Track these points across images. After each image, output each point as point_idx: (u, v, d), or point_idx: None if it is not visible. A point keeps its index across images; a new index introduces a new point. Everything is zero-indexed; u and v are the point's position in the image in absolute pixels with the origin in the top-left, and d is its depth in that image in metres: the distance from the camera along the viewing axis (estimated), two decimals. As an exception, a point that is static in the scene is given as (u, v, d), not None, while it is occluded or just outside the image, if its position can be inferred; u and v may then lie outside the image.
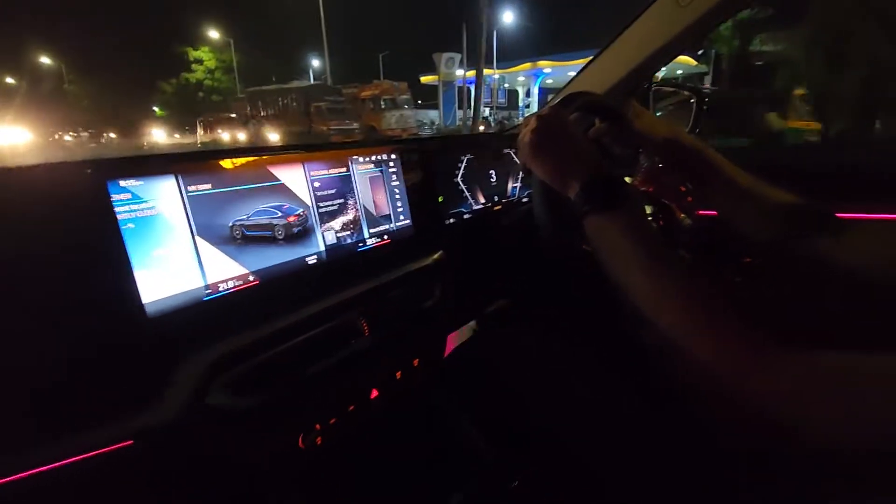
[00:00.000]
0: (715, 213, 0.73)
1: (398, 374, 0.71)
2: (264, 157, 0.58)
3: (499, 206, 0.87)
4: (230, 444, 0.51)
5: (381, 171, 0.73)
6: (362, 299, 0.66)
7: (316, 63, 28.59)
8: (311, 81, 22.60)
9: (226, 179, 0.54)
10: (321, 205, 0.65)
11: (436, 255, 0.75)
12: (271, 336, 0.55)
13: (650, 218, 0.83)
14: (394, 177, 0.74)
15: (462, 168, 0.81)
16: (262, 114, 16.82)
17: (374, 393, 0.68)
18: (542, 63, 20.83)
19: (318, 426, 0.62)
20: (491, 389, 0.76)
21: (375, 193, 0.72)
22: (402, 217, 0.75)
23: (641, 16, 0.80)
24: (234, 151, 0.56)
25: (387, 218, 0.73)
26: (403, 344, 0.71)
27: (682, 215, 0.81)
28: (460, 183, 0.81)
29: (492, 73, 17.85)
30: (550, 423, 0.68)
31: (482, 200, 0.84)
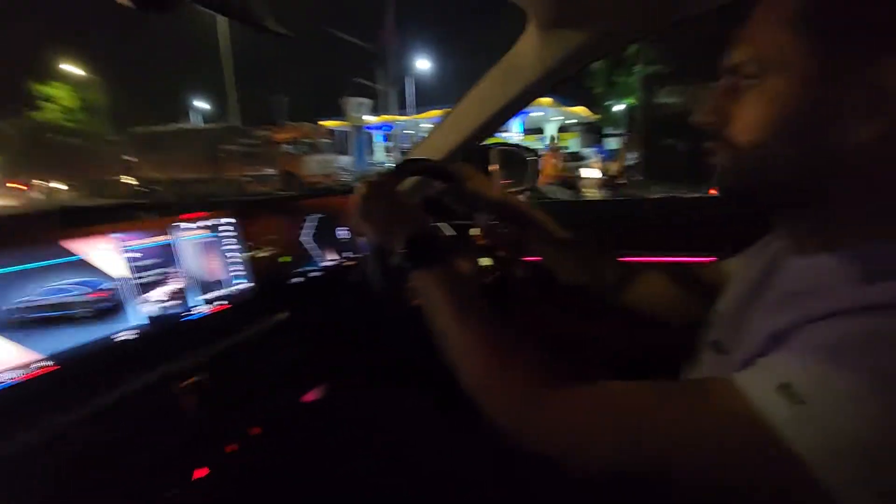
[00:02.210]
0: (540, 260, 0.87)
1: (233, 448, 0.70)
2: (59, 229, 0.57)
3: (351, 262, 0.93)
4: None
5: (215, 236, 0.74)
6: (191, 371, 0.65)
7: (198, 104, 27.24)
8: (202, 123, 21.30)
9: (3, 258, 0.52)
10: (140, 275, 0.64)
11: (279, 317, 0.77)
12: (69, 426, 0.52)
13: (490, 268, 0.95)
14: (230, 240, 0.76)
15: (308, 226, 0.86)
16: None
17: (202, 472, 0.66)
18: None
19: None
20: (344, 448, 0.77)
21: (208, 258, 0.73)
22: (240, 281, 0.76)
23: (473, 89, 0.95)
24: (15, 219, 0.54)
25: (222, 283, 0.74)
26: (240, 414, 0.71)
27: (516, 265, 0.94)
28: (307, 241, 0.85)
29: (396, 120, 18.55)
30: (402, 478, 0.71)
31: (332, 257, 0.89)
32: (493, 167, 1.06)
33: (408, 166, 0.76)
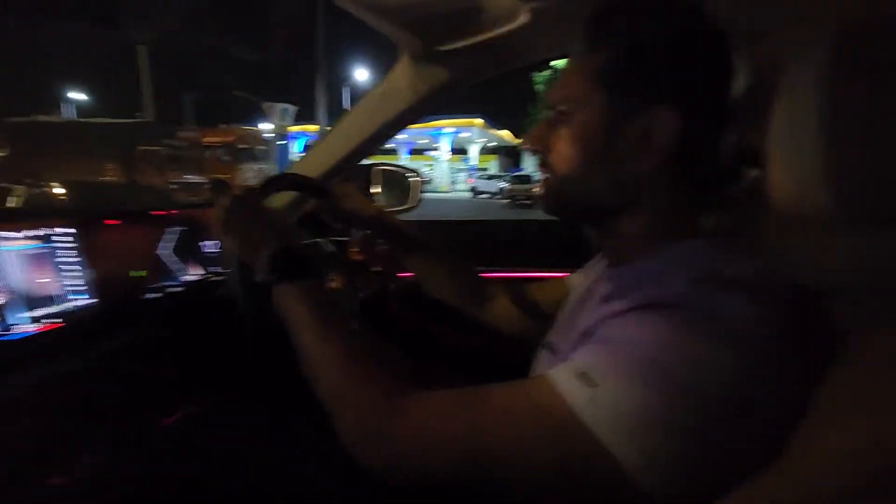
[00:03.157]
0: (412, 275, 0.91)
1: (61, 481, 0.64)
2: None
3: (217, 277, 0.90)
4: None
5: (48, 247, 0.69)
6: (9, 398, 0.59)
7: (74, 95, 23.00)
8: (73, 116, 18.10)
9: None
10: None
11: (128, 336, 0.73)
12: None
13: (366, 283, 0.98)
14: (68, 252, 0.71)
15: (168, 238, 0.83)
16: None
17: None
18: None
19: None
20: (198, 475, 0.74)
21: (39, 271, 0.67)
22: (79, 296, 0.71)
23: (351, 111, 0.99)
24: None
25: (56, 299, 0.69)
26: (66, 448, 0.65)
27: (391, 279, 0.98)
28: (166, 255, 0.82)
29: (323, 131, 18.01)
30: None
31: (196, 272, 0.86)
32: (375, 186, 1.10)
33: (277, 181, 0.77)
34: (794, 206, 0.49)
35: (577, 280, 0.76)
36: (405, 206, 1.10)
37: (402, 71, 0.93)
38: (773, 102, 0.50)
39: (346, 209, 0.85)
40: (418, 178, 1.14)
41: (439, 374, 1.03)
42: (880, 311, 0.39)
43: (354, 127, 1.00)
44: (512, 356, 0.87)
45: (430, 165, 27.38)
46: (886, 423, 0.31)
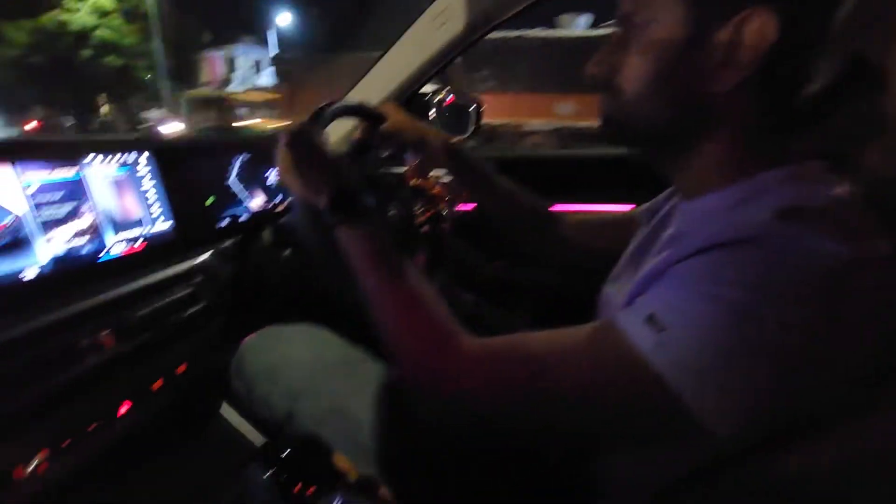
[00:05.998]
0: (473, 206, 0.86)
1: (157, 384, 0.70)
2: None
3: (282, 205, 0.90)
4: None
5: (129, 173, 0.71)
6: (104, 310, 0.64)
7: (281, 19, 18.31)
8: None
9: None
10: (43, 211, 0.62)
11: (203, 258, 0.76)
12: None
13: (420, 210, 0.94)
14: (147, 178, 0.73)
15: (235, 169, 0.83)
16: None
17: (125, 406, 0.67)
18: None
19: (44, 451, 0.58)
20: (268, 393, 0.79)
21: (123, 196, 0.70)
22: (160, 220, 0.74)
23: (404, 35, 0.90)
24: None
25: (140, 222, 0.72)
26: (162, 353, 0.71)
27: (449, 207, 0.93)
28: (234, 184, 0.83)
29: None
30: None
31: (262, 201, 0.87)
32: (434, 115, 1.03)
33: (325, 112, 0.73)
34: None
35: (643, 214, 0.69)
36: (460, 137, 1.03)
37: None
38: None
39: (395, 130, 0.80)
40: (479, 106, 1.05)
41: (500, 314, 1.01)
42: None
43: (406, 54, 0.92)
44: (576, 292, 0.81)
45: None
46: None
